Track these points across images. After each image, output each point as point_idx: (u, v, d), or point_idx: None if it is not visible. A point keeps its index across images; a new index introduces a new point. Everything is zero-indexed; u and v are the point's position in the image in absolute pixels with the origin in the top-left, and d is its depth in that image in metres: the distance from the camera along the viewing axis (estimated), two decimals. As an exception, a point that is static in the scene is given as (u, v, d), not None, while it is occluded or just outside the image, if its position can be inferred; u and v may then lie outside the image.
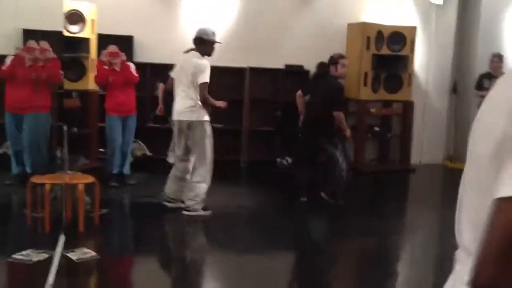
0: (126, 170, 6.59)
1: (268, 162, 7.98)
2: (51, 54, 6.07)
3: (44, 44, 6.04)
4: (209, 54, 5.42)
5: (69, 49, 6.67)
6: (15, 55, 6.03)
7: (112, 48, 6.33)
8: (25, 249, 4.20)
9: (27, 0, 6.72)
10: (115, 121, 6.36)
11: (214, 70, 7.99)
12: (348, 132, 6.00)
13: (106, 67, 6.24)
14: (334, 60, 6.01)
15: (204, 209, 5.44)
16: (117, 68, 6.26)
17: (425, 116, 8.65)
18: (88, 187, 4.95)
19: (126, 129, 6.47)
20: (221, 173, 5.89)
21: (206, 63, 5.32)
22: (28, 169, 6.06)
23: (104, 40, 6.57)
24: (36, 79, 5.91)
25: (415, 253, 5.14)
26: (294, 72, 8.58)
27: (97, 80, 6.35)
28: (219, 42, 5.55)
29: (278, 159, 8.27)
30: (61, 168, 5.88)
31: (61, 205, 4.93)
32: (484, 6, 8.87)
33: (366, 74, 8.10)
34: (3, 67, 5.98)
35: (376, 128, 8.55)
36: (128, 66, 6.37)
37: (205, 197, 5.42)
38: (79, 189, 4.81)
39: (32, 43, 6.06)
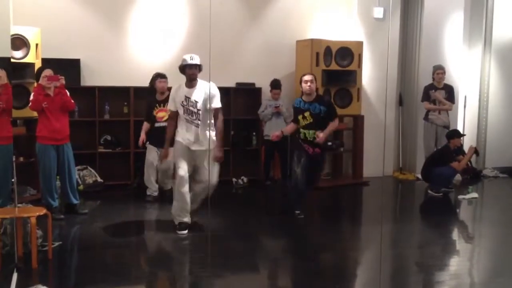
0: (74, 199, 6.34)
1: (224, 182, 7.88)
2: (4, 80, 5.84)
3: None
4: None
5: (14, 75, 6.41)
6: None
7: (47, 72, 6.02)
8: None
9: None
10: (48, 150, 6.04)
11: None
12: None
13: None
14: None
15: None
16: (51, 93, 6.01)
17: (374, 129, 8.79)
18: (38, 219, 4.71)
19: (63, 158, 6.14)
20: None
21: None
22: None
23: (50, 65, 6.33)
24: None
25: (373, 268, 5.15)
26: (246, 90, 8.57)
27: (31, 105, 6.07)
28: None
29: (234, 179, 8.20)
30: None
31: (12, 240, 4.68)
32: (426, 18, 9.16)
33: (317, 90, 8.14)
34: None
35: (329, 143, 8.62)
36: (65, 92, 6.07)
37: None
38: (31, 223, 4.58)
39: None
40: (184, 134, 5.56)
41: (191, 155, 5.55)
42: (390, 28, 9.00)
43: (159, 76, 7.21)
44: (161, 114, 7.13)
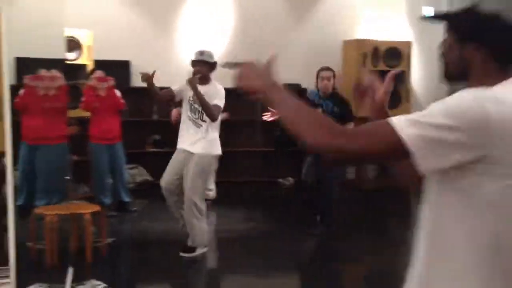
0: (126, 197, 6.47)
1: (269, 182, 7.91)
2: (62, 81, 6.00)
3: (56, 72, 5.97)
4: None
5: (67, 76, 6.61)
6: (25, 85, 5.95)
7: (98, 73, 6.22)
8: (31, 284, 4.07)
9: (22, 28, 6.63)
10: (100, 149, 6.19)
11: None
12: None
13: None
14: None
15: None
16: (102, 93, 6.17)
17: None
18: (91, 216, 4.83)
19: (114, 157, 6.28)
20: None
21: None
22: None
23: (101, 66, 6.50)
24: (50, 108, 5.85)
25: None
26: (291, 91, 8.52)
27: (83, 105, 6.24)
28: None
29: (280, 180, 8.19)
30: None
31: (67, 236, 4.81)
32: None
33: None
34: (16, 99, 5.93)
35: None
36: (114, 92, 6.24)
37: None
38: (86, 219, 4.70)
39: (43, 72, 6.03)
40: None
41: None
42: (440, 26, 8.80)
43: None
44: None
